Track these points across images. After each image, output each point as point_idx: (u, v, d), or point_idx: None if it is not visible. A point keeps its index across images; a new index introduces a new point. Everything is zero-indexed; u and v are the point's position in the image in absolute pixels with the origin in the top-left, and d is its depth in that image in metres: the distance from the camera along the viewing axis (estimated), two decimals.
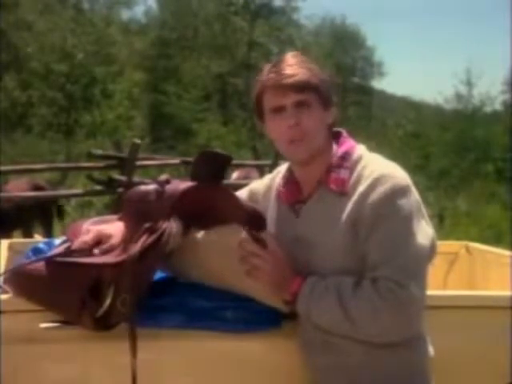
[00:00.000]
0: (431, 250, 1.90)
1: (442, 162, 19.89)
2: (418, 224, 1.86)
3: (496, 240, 9.92)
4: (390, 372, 1.88)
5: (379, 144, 11.34)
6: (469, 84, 24.46)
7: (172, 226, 1.90)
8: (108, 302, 1.83)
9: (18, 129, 22.42)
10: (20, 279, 1.94)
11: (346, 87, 36.18)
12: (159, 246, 1.87)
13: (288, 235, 1.98)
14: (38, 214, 8.76)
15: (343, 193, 1.91)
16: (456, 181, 18.43)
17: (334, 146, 2.00)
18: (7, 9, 24.26)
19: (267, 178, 2.22)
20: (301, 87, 1.90)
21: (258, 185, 2.23)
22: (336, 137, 2.03)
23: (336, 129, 2.04)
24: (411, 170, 1.98)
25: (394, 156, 2.02)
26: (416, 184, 1.93)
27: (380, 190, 1.85)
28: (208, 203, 1.97)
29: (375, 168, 1.90)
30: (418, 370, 1.94)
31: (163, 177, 2.01)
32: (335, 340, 1.88)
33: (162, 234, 1.87)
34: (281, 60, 1.96)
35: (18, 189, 8.51)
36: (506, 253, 2.95)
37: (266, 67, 1.98)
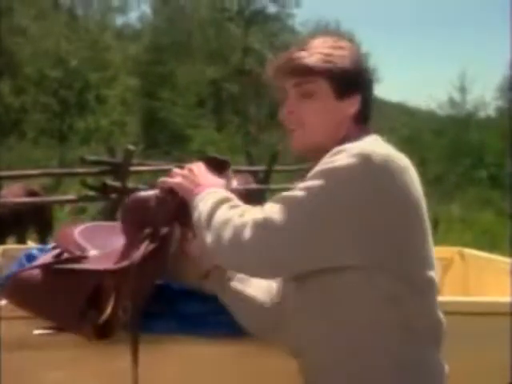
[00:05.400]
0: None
1: (437, 168, 19.92)
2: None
3: (490, 246, 9.93)
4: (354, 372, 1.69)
5: None
6: (462, 90, 24.55)
7: (173, 231, 1.89)
8: (109, 309, 1.79)
9: (12, 135, 22.38)
10: (15, 289, 1.88)
11: None
12: (161, 252, 1.84)
13: None
14: (33, 219, 8.75)
15: None
16: (450, 186, 18.46)
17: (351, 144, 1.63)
18: (1, 14, 24.22)
19: None
20: (300, 71, 1.73)
21: None
22: (361, 133, 1.73)
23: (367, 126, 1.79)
24: None
25: None
26: None
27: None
28: None
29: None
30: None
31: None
32: (304, 345, 1.77)
33: (163, 240, 1.85)
34: (304, 42, 1.79)
35: (13, 194, 8.50)
36: (500, 259, 2.95)
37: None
